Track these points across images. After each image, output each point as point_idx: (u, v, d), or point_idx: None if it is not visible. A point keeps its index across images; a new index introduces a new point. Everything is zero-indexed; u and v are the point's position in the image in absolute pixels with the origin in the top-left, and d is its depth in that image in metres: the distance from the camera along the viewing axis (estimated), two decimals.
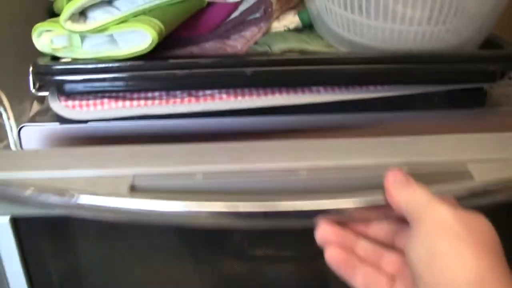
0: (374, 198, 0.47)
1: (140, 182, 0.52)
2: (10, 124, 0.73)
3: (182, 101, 0.63)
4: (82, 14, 0.61)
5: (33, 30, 0.63)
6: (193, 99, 0.63)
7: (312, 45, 0.67)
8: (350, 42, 0.66)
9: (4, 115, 0.73)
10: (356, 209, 0.48)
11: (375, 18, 0.62)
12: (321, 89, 0.63)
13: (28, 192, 0.51)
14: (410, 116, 0.65)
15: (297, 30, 0.74)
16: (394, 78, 0.63)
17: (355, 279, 0.46)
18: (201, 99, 0.63)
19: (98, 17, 0.60)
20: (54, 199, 0.50)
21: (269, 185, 0.52)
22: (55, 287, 0.60)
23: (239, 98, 0.63)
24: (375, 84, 0.64)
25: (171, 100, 0.63)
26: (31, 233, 0.56)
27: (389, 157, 0.53)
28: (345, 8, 0.63)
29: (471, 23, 0.64)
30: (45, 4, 0.79)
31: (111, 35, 0.62)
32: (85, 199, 0.49)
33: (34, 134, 0.65)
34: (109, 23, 0.59)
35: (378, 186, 0.46)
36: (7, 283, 0.59)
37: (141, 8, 0.60)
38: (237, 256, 0.61)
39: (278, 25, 0.73)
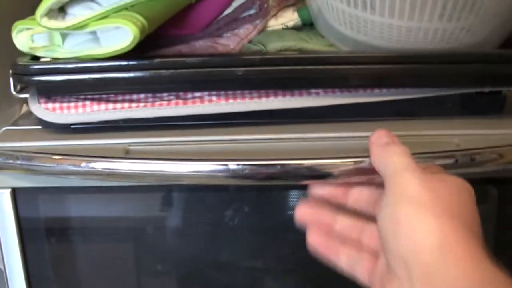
0: (360, 159, 0.50)
1: (135, 147, 0.57)
2: None
3: (168, 104, 0.58)
4: (61, 10, 0.57)
5: (12, 27, 0.59)
6: (180, 101, 0.58)
7: (311, 44, 0.62)
8: (353, 40, 0.61)
9: None
10: (344, 169, 0.51)
11: (380, 14, 0.57)
12: (321, 91, 0.58)
13: (52, 162, 0.56)
14: (420, 123, 0.60)
15: (296, 28, 0.69)
16: (402, 80, 0.58)
17: (339, 260, 0.47)
18: (189, 102, 0.58)
19: (78, 13, 0.56)
20: (71, 167, 0.55)
21: (259, 149, 0.56)
22: (48, 262, 0.63)
23: (230, 101, 0.58)
24: (380, 87, 0.58)
25: (157, 103, 0.58)
26: (29, 205, 0.60)
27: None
28: (348, 4, 0.58)
29: (489, 21, 0.58)
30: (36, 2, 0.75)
31: (95, 33, 0.58)
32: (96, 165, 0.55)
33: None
34: (89, 19, 0.55)
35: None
36: (2, 257, 0.62)
37: (122, 3, 0.55)
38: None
39: (276, 23, 0.68)
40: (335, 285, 0.66)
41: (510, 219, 0.61)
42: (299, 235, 0.62)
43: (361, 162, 0.50)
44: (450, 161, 0.53)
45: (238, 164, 0.52)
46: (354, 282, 0.64)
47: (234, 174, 0.53)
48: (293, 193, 0.61)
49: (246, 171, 0.52)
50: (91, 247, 0.64)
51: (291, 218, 0.62)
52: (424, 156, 0.53)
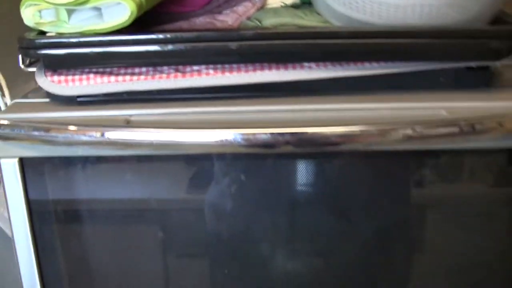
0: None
1: (136, 118, 0.60)
2: (5, 101, 0.73)
3: (168, 77, 0.61)
4: None
5: (21, 3, 0.62)
6: (179, 74, 0.61)
7: (306, 20, 0.64)
8: (347, 18, 0.63)
9: None
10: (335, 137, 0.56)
11: None
12: (313, 65, 0.60)
13: (56, 132, 0.59)
14: (411, 96, 0.62)
15: (294, 6, 0.71)
16: (389, 54, 0.60)
17: None
18: (188, 75, 0.61)
19: None
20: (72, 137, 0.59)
21: (253, 120, 0.59)
22: (54, 229, 0.66)
23: (227, 74, 0.60)
24: (370, 61, 0.61)
25: (157, 76, 0.61)
26: (36, 173, 0.63)
27: (376, 103, 0.60)
28: None
29: None
30: None
31: (99, 10, 0.61)
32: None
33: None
34: None
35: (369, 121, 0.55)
36: (10, 224, 0.66)
37: None
38: None
39: (275, 1, 0.70)
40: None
41: None
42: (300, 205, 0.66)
43: (353, 131, 0.54)
44: (454, 129, 0.57)
45: (231, 133, 0.56)
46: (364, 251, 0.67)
47: (227, 143, 0.56)
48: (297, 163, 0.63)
49: (239, 139, 0.55)
50: (95, 215, 0.67)
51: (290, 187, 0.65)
52: (423, 126, 0.56)
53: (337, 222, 0.67)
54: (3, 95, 0.73)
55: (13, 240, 0.66)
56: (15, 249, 0.66)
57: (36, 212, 0.65)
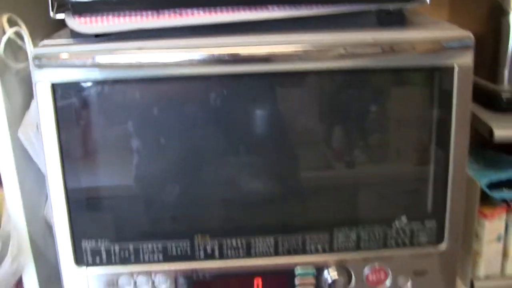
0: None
1: (145, 47, 0.79)
2: (30, 49, 0.90)
3: (169, 17, 0.82)
4: None
5: None
6: (178, 16, 0.82)
7: None
8: None
9: (25, 37, 0.91)
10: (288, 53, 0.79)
11: None
12: (275, 7, 0.82)
13: (82, 58, 0.78)
14: (347, 31, 0.83)
15: None
16: None
17: None
18: (184, 15, 0.82)
19: None
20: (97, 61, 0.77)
21: (234, 44, 0.79)
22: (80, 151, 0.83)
23: (213, 14, 0.82)
24: (315, 3, 0.83)
25: (161, 17, 0.82)
26: (65, 97, 0.80)
27: (317, 35, 0.81)
28: None
29: None
30: None
31: None
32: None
33: None
34: None
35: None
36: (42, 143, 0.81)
37: None
38: None
39: None
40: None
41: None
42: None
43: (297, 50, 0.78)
44: (377, 49, 0.79)
45: (219, 53, 0.78)
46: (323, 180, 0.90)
47: (216, 58, 0.78)
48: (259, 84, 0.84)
49: (226, 57, 0.77)
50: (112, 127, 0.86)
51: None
52: (358, 45, 0.79)
53: (285, 141, 0.89)
54: (29, 40, 0.91)
55: (44, 157, 0.82)
56: (46, 173, 0.83)
57: (63, 122, 0.81)
